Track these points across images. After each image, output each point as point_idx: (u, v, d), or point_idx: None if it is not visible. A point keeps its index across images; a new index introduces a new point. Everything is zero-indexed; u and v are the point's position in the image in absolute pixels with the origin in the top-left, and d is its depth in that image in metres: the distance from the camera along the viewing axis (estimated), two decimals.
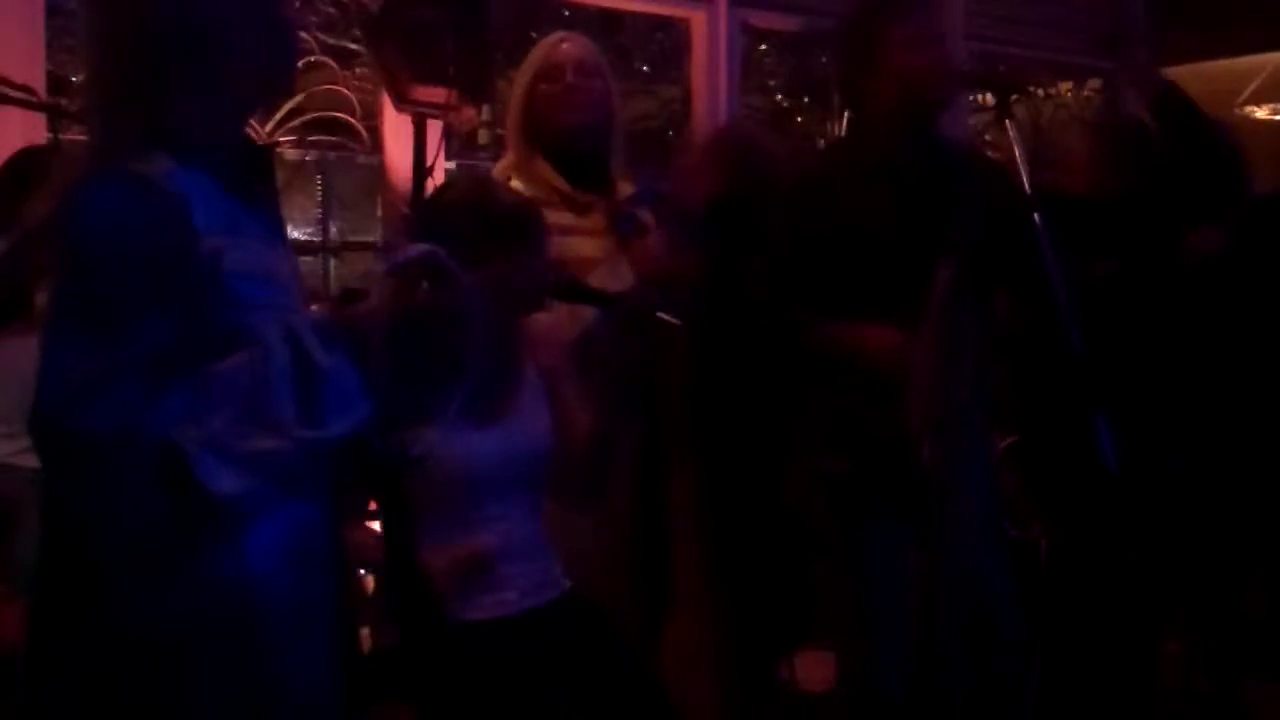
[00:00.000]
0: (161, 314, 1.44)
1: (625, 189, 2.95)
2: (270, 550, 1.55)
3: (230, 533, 1.50)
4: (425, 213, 2.48)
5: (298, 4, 4.09)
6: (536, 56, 2.92)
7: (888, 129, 2.82)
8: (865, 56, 2.81)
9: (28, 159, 3.11)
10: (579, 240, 2.80)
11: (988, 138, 5.36)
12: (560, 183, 2.84)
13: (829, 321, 2.75)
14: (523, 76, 2.91)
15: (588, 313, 2.69)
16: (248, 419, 1.41)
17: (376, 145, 4.35)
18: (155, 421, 1.39)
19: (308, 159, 4.33)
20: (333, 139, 4.39)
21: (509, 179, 2.84)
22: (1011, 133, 2.69)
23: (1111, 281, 3.25)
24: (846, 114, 3.15)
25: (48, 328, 1.47)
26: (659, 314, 2.35)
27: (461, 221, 2.30)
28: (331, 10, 4.28)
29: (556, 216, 2.75)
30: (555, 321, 2.56)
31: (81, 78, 3.90)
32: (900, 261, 2.70)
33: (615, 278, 2.74)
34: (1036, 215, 2.61)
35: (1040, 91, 6.07)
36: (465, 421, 2.24)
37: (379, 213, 4.54)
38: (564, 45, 2.93)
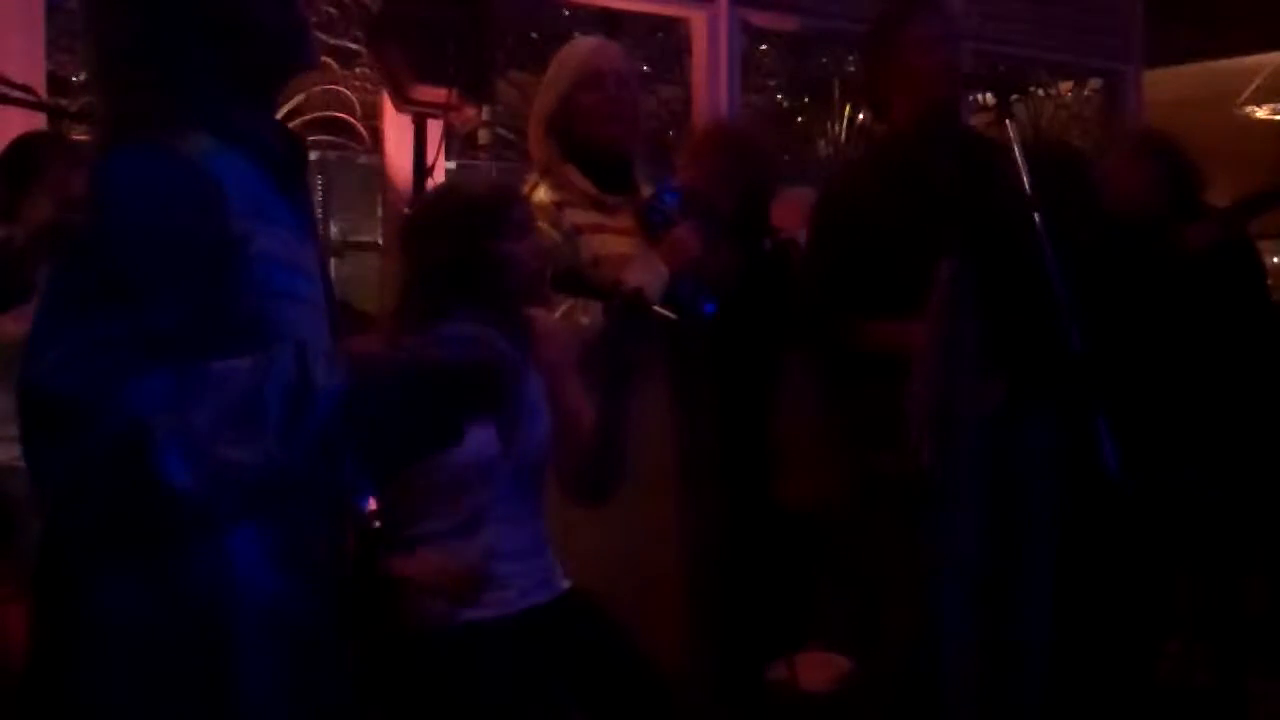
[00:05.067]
0: (172, 294, 1.38)
1: (646, 189, 2.95)
2: (254, 554, 1.47)
3: (206, 530, 1.42)
4: (404, 227, 2.48)
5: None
6: (573, 64, 2.88)
7: (908, 132, 2.89)
8: (884, 60, 2.89)
9: (25, 147, 3.09)
10: (611, 238, 2.81)
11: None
12: (588, 186, 2.84)
13: (872, 320, 2.81)
14: (558, 83, 2.87)
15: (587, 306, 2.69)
16: (229, 424, 1.33)
17: (376, 145, 4.35)
18: (133, 399, 1.31)
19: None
20: (333, 139, 4.39)
21: (535, 186, 2.84)
22: (1011, 132, 2.69)
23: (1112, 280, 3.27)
24: (859, 117, 3.22)
25: (51, 290, 1.39)
26: (655, 307, 2.34)
27: (436, 217, 2.30)
28: (331, 10, 4.28)
29: (586, 217, 2.80)
30: (556, 318, 2.56)
31: (82, 76, 3.91)
32: (926, 261, 2.71)
33: (649, 272, 2.72)
34: (1037, 216, 2.61)
35: (1040, 91, 6.07)
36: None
37: (379, 213, 4.54)
38: (602, 54, 2.93)
